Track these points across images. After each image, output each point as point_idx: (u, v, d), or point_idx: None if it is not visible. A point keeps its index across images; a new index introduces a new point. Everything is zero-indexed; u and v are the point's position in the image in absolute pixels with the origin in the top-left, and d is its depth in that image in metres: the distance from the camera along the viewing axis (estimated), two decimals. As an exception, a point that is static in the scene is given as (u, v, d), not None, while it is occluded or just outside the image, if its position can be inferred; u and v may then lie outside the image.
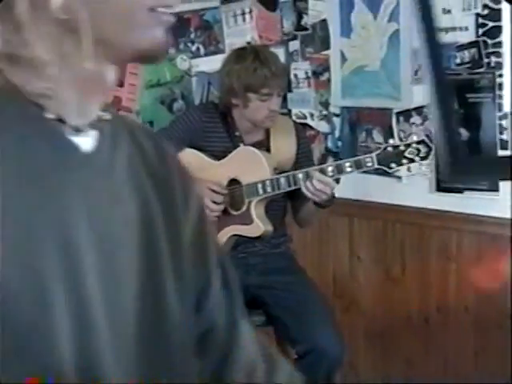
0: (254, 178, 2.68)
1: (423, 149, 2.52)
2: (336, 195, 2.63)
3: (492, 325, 2.96)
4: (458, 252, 3.06)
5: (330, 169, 2.58)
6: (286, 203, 2.87)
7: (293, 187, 2.64)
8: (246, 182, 2.70)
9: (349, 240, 3.42)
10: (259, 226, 2.71)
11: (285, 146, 2.80)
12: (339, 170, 2.56)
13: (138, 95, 3.30)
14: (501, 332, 2.92)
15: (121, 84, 3.20)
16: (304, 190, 2.57)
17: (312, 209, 2.74)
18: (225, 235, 2.73)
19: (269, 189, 2.65)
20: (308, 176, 2.55)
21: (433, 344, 3.19)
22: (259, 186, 2.66)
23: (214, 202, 2.69)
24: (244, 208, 2.71)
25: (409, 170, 2.54)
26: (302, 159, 2.81)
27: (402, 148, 2.55)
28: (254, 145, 2.77)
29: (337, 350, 2.57)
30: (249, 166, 2.70)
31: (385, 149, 2.55)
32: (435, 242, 3.12)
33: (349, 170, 2.55)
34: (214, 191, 2.69)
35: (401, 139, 3.07)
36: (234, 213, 2.73)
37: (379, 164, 2.54)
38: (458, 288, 3.08)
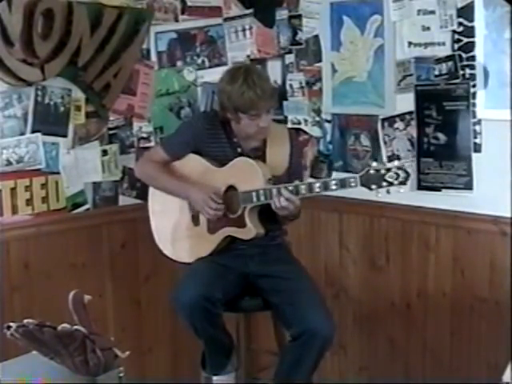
0: (249, 186, 2.75)
1: (402, 174, 2.54)
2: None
3: (465, 308, 3.05)
4: (436, 244, 3.15)
5: (317, 185, 2.63)
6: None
7: None
8: (242, 190, 2.77)
9: (338, 233, 3.51)
10: (251, 229, 2.77)
11: (279, 154, 2.86)
12: (325, 187, 2.61)
13: (149, 103, 3.34)
14: (473, 314, 3.05)
15: (134, 93, 3.28)
16: (272, 204, 2.66)
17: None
18: (222, 235, 2.84)
19: (262, 197, 2.72)
20: (279, 193, 2.63)
21: (413, 326, 3.29)
22: (253, 194, 2.73)
23: (211, 208, 2.80)
24: (239, 212, 2.79)
25: (388, 192, 2.53)
26: (294, 167, 2.90)
27: (382, 172, 2.55)
28: (251, 150, 2.85)
29: (327, 331, 2.63)
30: (246, 175, 2.77)
31: (367, 171, 2.57)
32: (416, 235, 3.21)
33: (334, 187, 2.60)
34: (212, 199, 2.80)
35: (385, 142, 3.23)
36: (231, 215, 2.82)
37: (361, 185, 2.57)
38: (436, 276, 3.16)
